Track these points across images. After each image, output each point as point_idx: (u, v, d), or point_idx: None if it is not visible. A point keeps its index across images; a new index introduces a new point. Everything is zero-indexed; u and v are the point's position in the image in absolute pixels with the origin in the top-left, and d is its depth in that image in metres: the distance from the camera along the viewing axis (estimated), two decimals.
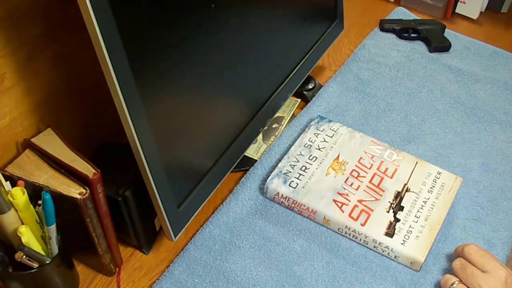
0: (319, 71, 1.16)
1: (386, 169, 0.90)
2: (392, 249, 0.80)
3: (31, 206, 0.66)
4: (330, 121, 0.97)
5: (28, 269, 0.67)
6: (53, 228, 0.67)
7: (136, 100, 0.61)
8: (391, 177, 0.89)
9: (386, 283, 0.79)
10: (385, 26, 1.24)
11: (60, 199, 0.66)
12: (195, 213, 0.78)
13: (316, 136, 0.94)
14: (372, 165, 0.90)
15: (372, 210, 0.84)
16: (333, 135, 0.95)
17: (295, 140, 0.98)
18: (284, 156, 0.93)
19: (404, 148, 0.98)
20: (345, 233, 0.83)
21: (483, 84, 1.12)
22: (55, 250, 0.69)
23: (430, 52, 1.20)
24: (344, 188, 0.87)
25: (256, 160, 0.95)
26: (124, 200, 0.73)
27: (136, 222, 0.77)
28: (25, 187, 0.65)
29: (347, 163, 0.90)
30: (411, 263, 0.80)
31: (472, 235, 0.85)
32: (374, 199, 0.86)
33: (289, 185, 0.86)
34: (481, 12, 1.33)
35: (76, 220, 0.69)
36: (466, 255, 0.76)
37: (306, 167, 0.89)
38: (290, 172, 0.88)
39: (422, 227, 0.82)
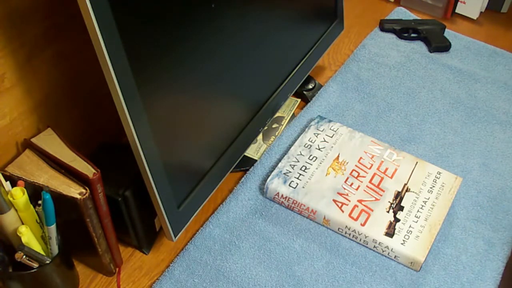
0: (319, 71, 1.16)
1: (386, 169, 0.90)
2: (392, 249, 0.80)
3: (31, 206, 0.66)
4: (330, 121, 0.97)
5: (28, 269, 0.67)
6: (53, 228, 0.67)
7: (136, 100, 0.61)
8: (391, 177, 0.89)
9: (386, 283, 0.79)
10: (385, 26, 1.24)
11: (60, 199, 0.66)
12: (195, 213, 0.78)
13: (316, 136, 0.94)
14: (372, 165, 0.90)
15: (372, 210, 0.84)
16: (333, 135, 0.95)
17: (295, 140, 0.98)
18: (284, 156, 0.93)
19: (404, 148, 0.98)
20: (345, 233, 0.83)
21: (483, 84, 1.12)
22: (55, 250, 0.69)
23: (430, 52, 1.20)
24: (344, 188, 0.87)
25: (256, 160, 0.95)
26: (124, 200, 0.73)
27: (136, 222, 0.77)
28: (25, 187, 0.65)
29: (347, 163, 0.90)
30: (411, 263, 0.80)
31: (472, 235, 0.85)
32: (374, 199, 0.86)
33: (289, 185, 0.86)
34: (481, 12, 1.33)
35: (76, 220, 0.69)
36: None
37: (306, 167, 0.89)
38: (290, 172, 0.88)
39: (422, 227, 0.82)
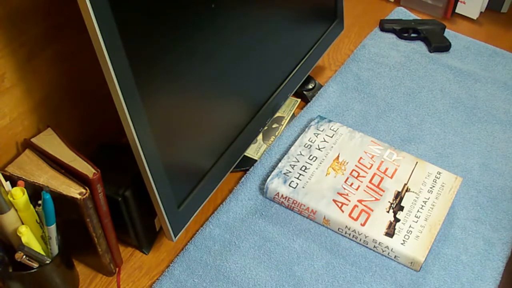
0: (319, 71, 1.16)
1: (386, 169, 0.90)
2: (392, 249, 0.80)
3: (31, 206, 0.66)
4: (330, 121, 0.97)
5: (28, 269, 0.67)
6: (53, 228, 0.67)
7: (136, 100, 0.61)
8: (391, 177, 0.89)
9: (386, 283, 0.79)
10: (385, 26, 1.24)
11: (60, 199, 0.66)
12: (195, 213, 0.78)
13: (316, 136, 0.94)
14: (372, 165, 0.90)
15: (372, 210, 0.84)
16: (333, 135, 0.95)
17: (295, 140, 0.98)
18: (284, 156, 0.93)
19: (404, 148, 0.98)
20: (345, 233, 0.83)
21: (483, 84, 1.12)
22: (55, 250, 0.69)
23: (430, 52, 1.20)
24: (344, 188, 0.87)
25: (256, 160, 0.95)
26: (124, 200, 0.73)
27: (136, 222, 0.77)
28: (25, 187, 0.65)
29: (347, 163, 0.90)
30: (411, 263, 0.80)
31: (472, 235, 0.85)
32: (374, 199, 0.86)
33: (289, 185, 0.86)
34: (481, 12, 1.33)
35: (76, 220, 0.69)
36: None
37: (306, 167, 0.89)
38: (290, 172, 0.88)
39: (422, 227, 0.82)
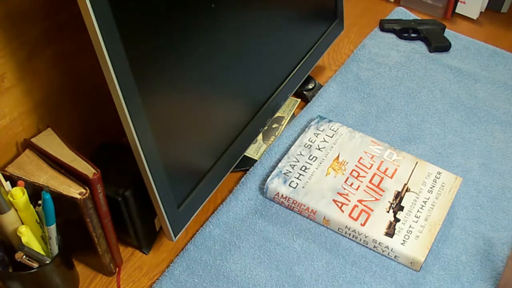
0: (319, 71, 1.16)
1: (386, 169, 0.90)
2: (392, 249, 0.80)
3: (31, 206, 0.66)
4: (330, 121, 0.97)
5: (28, 269, 0.67)
6: (53, 228, 0.67)
7: (136, 100, 0.61)
8: (391, 177, 0.89)
9: (386, 283, 0.79)
10: (385, 26, 1.24)
11: (60, 199, 0.66)
12: (195, 213, 0.78)
13: (316, 136, 0.94)
14: (372, 165, 0.90)
15: (372, 210, 0.84)
16: (333, 135, 0.95)
17: (295, 140, 0.98)
18: (284, 156, 0.93)
19: (404, 148, 0.98)
20: (345, 233, 0.83)
21: (483, 84, 1.12)
22: (55, 250, 0.69)
23: (430, 52, 1.20)
24: (344, 188, 0.87)
25: (256, 160, 0.95)
26: (124, 200, 0.73)
27: (136, 222, 0.77)
28: (25, 187, 0.65)
29: (347, 163, 0.90)
30: (411, 263, 0.80)
31: (472, 235, 0.85)
32: (374, 199, 0.86)
33: (289, 185, 0.86)
34: (481, 12, 1.33)
35: (76, 220, 0.69)
36: None
37: (306, 167, 0.89)
38: (290, 172, 0.88)
39: (422, 227, 0.82)
